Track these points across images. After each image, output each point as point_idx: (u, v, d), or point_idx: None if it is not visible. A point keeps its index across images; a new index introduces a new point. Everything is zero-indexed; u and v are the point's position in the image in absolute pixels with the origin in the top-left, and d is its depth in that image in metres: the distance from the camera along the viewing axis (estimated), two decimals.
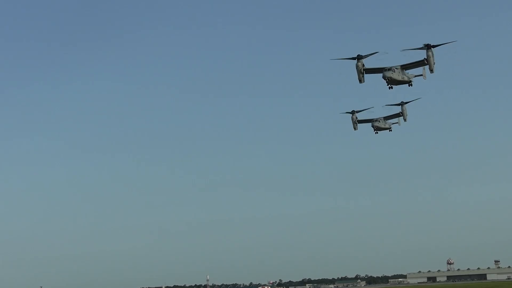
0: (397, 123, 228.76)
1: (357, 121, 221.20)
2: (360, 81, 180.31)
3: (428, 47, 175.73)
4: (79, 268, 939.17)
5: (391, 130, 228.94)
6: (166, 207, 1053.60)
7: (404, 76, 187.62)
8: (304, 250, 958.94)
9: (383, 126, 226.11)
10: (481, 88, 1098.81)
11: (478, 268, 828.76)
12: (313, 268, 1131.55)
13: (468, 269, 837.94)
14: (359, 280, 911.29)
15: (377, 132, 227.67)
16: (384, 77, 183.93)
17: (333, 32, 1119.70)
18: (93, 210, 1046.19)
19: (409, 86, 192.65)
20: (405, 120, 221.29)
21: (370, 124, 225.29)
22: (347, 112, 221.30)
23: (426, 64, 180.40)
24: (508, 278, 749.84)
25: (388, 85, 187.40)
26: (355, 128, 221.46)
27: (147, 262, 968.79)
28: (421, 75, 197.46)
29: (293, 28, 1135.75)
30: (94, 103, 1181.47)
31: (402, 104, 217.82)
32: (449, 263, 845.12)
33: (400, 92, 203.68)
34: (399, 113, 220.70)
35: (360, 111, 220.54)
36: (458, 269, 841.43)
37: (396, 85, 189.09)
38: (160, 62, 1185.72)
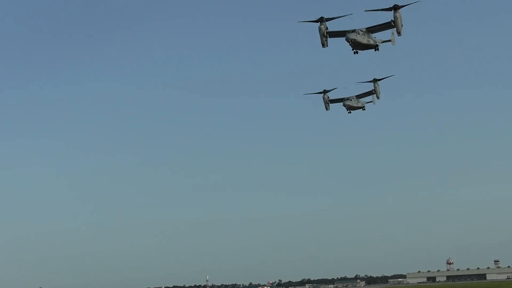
0: (371, 101, 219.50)
1: (329, 100, 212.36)
2: (323, 45, 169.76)
3: (395, 8, 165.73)
4: (79, 268, 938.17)
5: (364, 109, 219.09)
6: (166, 207, 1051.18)
7: (370, 39, 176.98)
8: (304, 250, 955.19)
9: (355, 105, 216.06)
10: (481, 88, 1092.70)
11: (478, 268, 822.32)
12: (312, 268, 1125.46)
13: (468, 269, 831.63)
14: (358, 280, 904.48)
15: (350, 112, 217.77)
16: (347, 40, 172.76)
17: None
18: (93, 210, 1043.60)
19: (375, 51, 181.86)
20: (378, 98, 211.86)
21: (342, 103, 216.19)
22: (318, 93, 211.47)
23: (393, 27, 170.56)
24: (507, 278, 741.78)
25: (353, 49, 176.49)
26: (327, 108, 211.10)
27: (147, 262, 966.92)
28: (390, 40, 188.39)
29: (294, 28, 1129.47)
30: (94, 103, 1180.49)
31: (374, 81, 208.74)
32: (448, 263, 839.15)
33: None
34: (371, 91, 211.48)
35: (331, 90, 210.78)
36: (458, 269, 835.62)
37: (362, 49, 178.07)
38: (160, 62, 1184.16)
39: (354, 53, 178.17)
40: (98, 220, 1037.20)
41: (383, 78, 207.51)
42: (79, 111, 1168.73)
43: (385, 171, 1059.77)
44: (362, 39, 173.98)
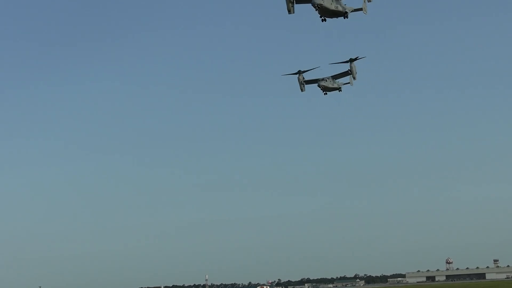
0: (348, 83, 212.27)
1: (304, 81, 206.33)
2: (289, 11, 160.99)
3: None
4: (79, 268, 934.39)
5: (340, 91, 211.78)
6: (166, 207, 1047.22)
7: (339, 6, 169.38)
8: (303, 249, 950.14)
9: (331, 86, 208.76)
10: (481, 87, 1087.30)
11: (477, 268, 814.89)
12: (312, 267, 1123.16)
13: (467, 268, 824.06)
14: (358, 280, 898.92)
15: (326, 93, 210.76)
16: (313, 5, 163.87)
17: (333, 33, 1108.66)
18: (93, 210, 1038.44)
19: (344, 18, 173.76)
20: (354, 78, 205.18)
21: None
22: (293, 73, 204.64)
23: None
24: (507, 277, 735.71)
25: (320, 17, 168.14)
26: (302, 90, 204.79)
27: (146, 262, 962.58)
28: (361, 9, 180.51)
29: (294, 29, 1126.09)
30: (94, 103, 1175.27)
31: (350, 61, 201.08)
32: (448, 263, 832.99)
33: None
34: (347, 71, 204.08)
35: (307, 70, 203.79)
36: (457, 269, 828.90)
37: (330, 16, 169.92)
38: (160, 62, 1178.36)
39: (322, 20, 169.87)
40: (98, 220, 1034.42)
41: (358, 58, 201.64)
42: (79, 111, 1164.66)
43: (385, 170, 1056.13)
44: (330, 4, 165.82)
